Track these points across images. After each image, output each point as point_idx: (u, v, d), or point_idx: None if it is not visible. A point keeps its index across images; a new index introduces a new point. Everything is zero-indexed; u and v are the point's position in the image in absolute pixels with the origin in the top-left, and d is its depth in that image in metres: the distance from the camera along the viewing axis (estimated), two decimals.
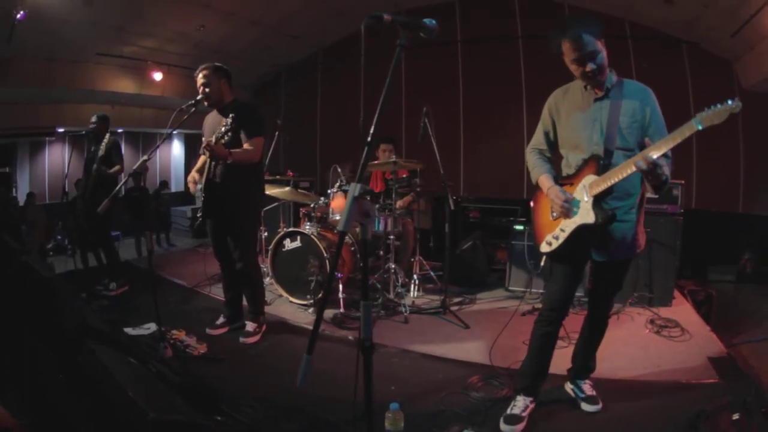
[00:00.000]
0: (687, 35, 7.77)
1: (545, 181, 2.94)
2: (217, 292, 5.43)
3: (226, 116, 3.92)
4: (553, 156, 3.09)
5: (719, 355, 3.94)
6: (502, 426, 2.86)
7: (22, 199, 10.14)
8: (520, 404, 2.96)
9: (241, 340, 4.21)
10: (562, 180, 2.92)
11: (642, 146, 2.62)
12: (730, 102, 2.22)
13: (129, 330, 4.32)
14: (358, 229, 5.52)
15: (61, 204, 8.85)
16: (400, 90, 9.32)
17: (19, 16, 5.77)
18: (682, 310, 5.08)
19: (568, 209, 2.75)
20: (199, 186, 4.26)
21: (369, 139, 1.71)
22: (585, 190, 2.73)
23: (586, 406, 3.09)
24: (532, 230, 3.12)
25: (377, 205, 5.61)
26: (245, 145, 3.99)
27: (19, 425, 1.95)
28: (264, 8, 8.18)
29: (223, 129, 3.80)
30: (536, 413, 2.99)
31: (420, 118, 5.06)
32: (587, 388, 3.20)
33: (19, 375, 2.38)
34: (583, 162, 2.81)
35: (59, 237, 9.85)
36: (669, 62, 8.03)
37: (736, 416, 2.71)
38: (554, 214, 2.88)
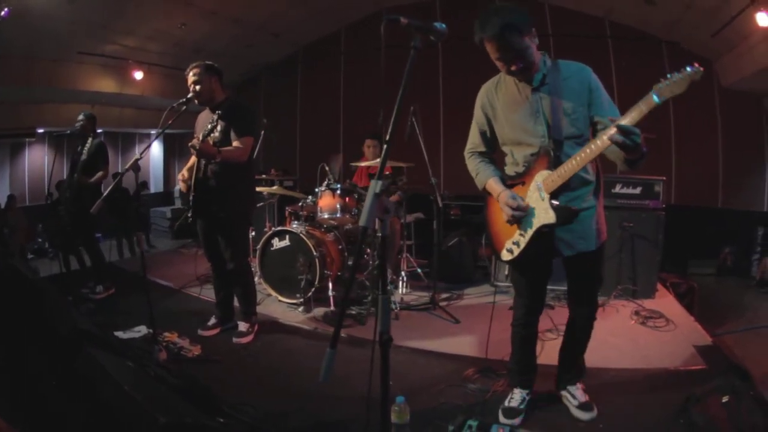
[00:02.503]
0: (668, 35, 7.94)
1: (494, 185, 2.74)
2: (206, 293, 5.43)
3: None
4: (494, 154, 2.92)
5: (705, 343, 4.05)
6: (502, 419, 2.87)
7: (2, 201, 9.97)
8: (517, 397, 3.00)
9: (235, 340, 4.20)
10: (511, 180, 2.73)
11: (593, 129, 2.55)
12: (689, 68, 1.99)
13: (119, 333, 4.25)
14: (348, 227, 5.57)
15: (41, 206, 8.73)
16: (378, 88, 9.35)
17: (2, 13, 5.67)
18: (665, 302, 5.20)
19: (519, 218, 2.57)
20: (177, 187, 4.24)
21: (388, 137, 1.75)
22: (539, 189, 2.53)
23: (580, 414, 2.90)
24: (489, 238, 2.90)
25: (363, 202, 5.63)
26: (234, 143, 3.97)
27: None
28: (245, 7, 8.16)
29: (209, 126, 3.79)
30: (532, 403, 3.05)
31: (403, 116, 5.08)
32: (580, 393, 2.99)
33: (13, 381, 2.37)
34: (532, 157, 2.62)
35: (40, 240, 9.72)
36: (648, 61, 8.19)
37: (725, 399, 2.79)
38: (510, 221, 2.66)
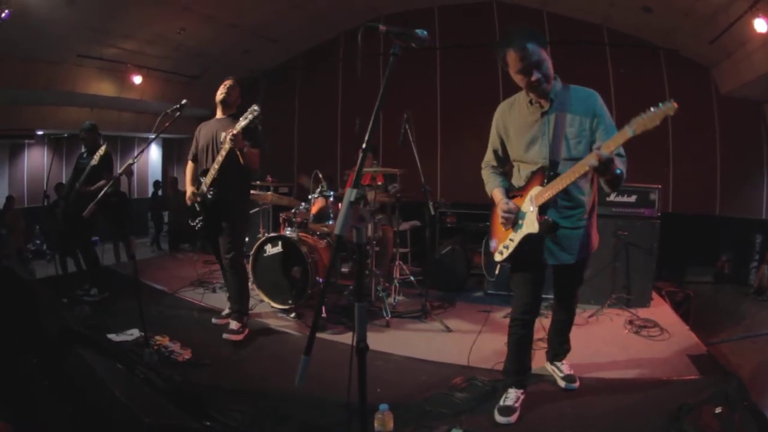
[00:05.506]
0: (665, 42, 7.94)
1: (497, 194, 3.10)
2: (199, 297, 5.53)
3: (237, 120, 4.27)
4: (505, 168, 3.25)
5: (699, 352, 4.03)
6: (498, 417, 2.98)
7: (0, 202, 9.96)
8: (512, 396, 3.09)
9: (225, 336, 4.29)
10: (514, 192, 3.08)
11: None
12: (661, 105, 2.28)
13: (112, 336, 4.26)
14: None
15: (39, 208, 8.72)
16: (377, 95, 9.34)
17: (3, 15, 5.69)
18: (660, 310, 5.19)
19: (509, 220, 2.93)
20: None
21: (364, 145, 1.75)
22: (531, 201, 2.86)
23: (565, 384, 3.41)
24: (489, 240, 3.27)
25: None
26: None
27: (5, 427, 1.95)
28: (244, 12, 8.16)
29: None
30: (524, 408, 3.08)
31: (397, 123, 5.07)
32: (566, 368, 3.51)
33: (4, 380, 2.37)
34: (531, 174, 2.94)
35: (38, 242, 9.71)
36: (646, 68, 8.19)
37: (718, 410, 2.77)
38: (504, 225, 3.01)
